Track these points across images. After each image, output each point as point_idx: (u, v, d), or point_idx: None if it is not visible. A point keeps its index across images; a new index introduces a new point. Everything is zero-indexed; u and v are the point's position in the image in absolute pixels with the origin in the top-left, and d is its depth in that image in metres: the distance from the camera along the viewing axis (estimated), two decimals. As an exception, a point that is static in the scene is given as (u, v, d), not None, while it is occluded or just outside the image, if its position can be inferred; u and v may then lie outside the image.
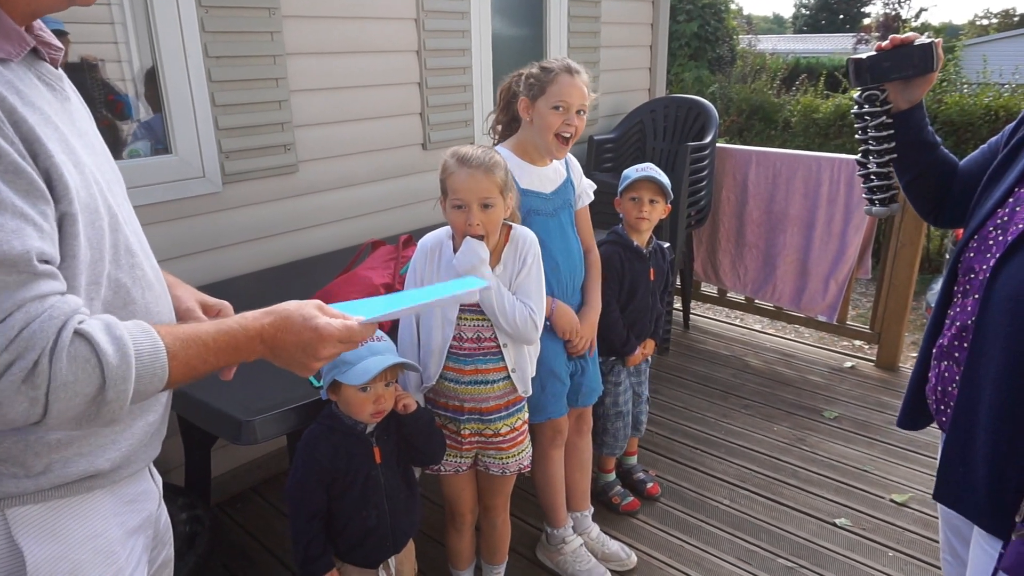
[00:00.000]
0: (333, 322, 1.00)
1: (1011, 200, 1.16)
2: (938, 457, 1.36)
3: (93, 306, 0.90)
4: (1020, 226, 1.09)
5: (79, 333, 0.79)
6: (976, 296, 1.16)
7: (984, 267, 1.15)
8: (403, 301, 1.22)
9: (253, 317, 0.97)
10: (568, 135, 1.96)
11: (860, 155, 1.46)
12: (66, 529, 0.92)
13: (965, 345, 1.18)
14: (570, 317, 2.08)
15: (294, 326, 0.97)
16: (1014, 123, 1.27)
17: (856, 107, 1.42)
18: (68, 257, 0.85)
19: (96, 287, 0.90)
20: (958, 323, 1.21)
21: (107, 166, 0.99)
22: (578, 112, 1.95)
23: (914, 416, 1.39)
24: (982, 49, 17.95)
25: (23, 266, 0.77)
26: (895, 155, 1.40)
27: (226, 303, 1.24)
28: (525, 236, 1.82)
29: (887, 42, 1.34)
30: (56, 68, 0.96)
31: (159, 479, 1.15)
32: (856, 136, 1.45)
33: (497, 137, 2.12)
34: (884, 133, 1.39)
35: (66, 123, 0.90)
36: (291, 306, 1.00)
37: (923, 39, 1.31)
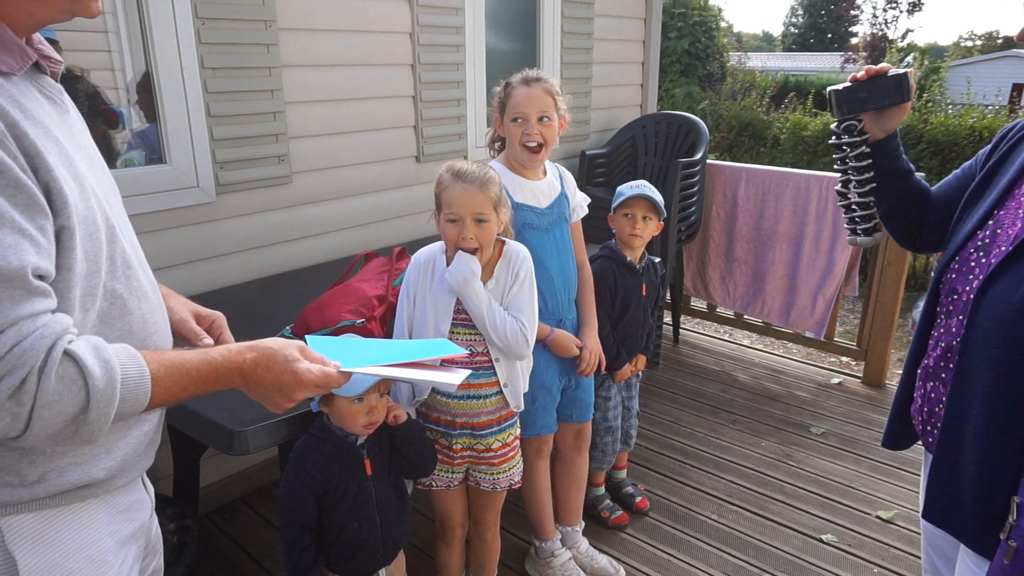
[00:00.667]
0: (312, 367, 1.02)
1: (991, 222, 1.18)
2: (923, 476, 1.37)
3: (88, 317, 0.91)
4: (1003, 248, 1.11)
5: (68, 354, 0.81)
6: (960, 317, 1.17)
7: (967, 288, 1.17)
8: (384, 356, 1.22)
9: (237, 351, 0.99)
10: (532, 144, 1.96)
11: (840, 185, 1.47)
12: (60, 538, 0.93)
13: (951, 366, 1.19)
14: (568, 342, 2.09)
15: (275, 365, 1.00)
16: (988, 147, 1.30)
17: (834, 138, 1.43)
18: (64, 270, 0.86)
19: (91, 298, 0.91)
20: (943, 344, 1.22)
21: (104, 178, 1.00)
22: (541, 119, 1.95)
23: (898, 436, 1.40)
24: (966, 71, 18.26)
25: (18, 282, 0.78)
26: (874, 184, 1.42)
27: (219, 314, 1.25)
28: (518, 251, 1.83)
29: (862, 73, 1.36)
30: (56, 81, 0.97)
31: (151, 489, 1.15)
32: (835, 167, 1.47)
33: (494, 153, 2.14)
34: (864, 163, 1.41)
35: (66, 136, 0.91)
36: (275, 344, 1.02)
37: (896, 70, 1.34)
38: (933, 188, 1.45)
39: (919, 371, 1.31)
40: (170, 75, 2.34)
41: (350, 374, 1.07)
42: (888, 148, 1.39)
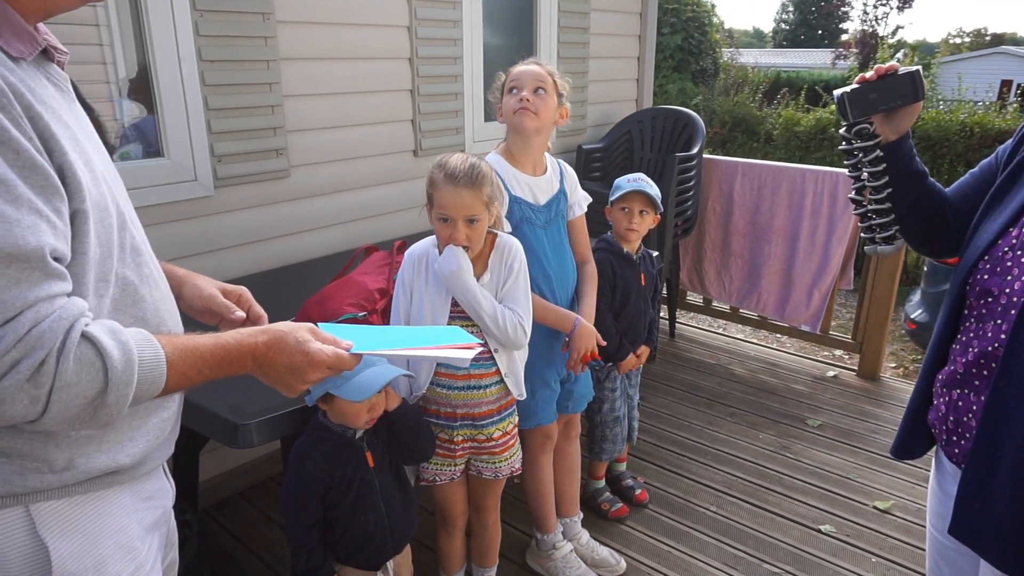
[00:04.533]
0: (325, 348, 1.02)
1: None
2: (931, 481, 1.31)
3: (102, 303, 0.90)
4: None
5: (86, 336, 0.81)
6: (998, 321, 1.08)
7: (1007, 290, 1.08)
8: (395, 341, 1.22)
9: (249, 334, 0.99)
10: (526, 111, 1.92)
11: (854, 192, 1.39)
12: (89, 524, 0.93)
13: (985, 372, 1.11)
14: (589, 338, 2.06)
15: (287, 348, 0.99)
16: (1011, 143, 1.23)
17: (845, 143, 1.35)
18: (79, 254, 0.85)
19: (105, 284, 0.91)
20: (975, 349, 1.13)
21: (110, 167, 1.00)
22: (536, 91, 1.94)
23: (911, 445, 1.32)
24: (956, 67, 18.39)
25: (36, 263, 0.78)
26: (891, 188, 1.34)
27: (244, 288, 1.25)
28: (510, 244, 1.82)
29: (871, 73, 1.28)
30: (63, 70, 0.96)
31: (171, 479, 1.16)
32: (848, 174, 1.38)
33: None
34: (879, 167, 1.33)
35: (73, 122, 0.91)
36: (285, 327, 1.02)
37: (906, 67, 1.27)
38: (948, 190, 1.37)
39: (940, 377, 1.22)
40: (168, 68, 2.33)
41: (361, 356, 1.07)
42: (902, 150, 1.32)
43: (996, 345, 1.08)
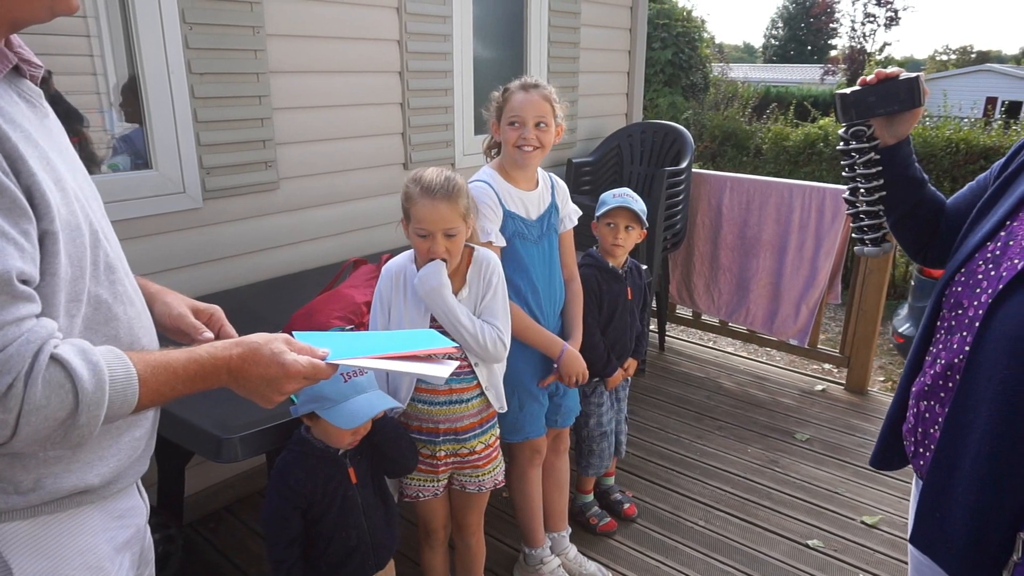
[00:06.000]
0: (300, 358, 1.01)
1: (1003, 234, 1.10)
2: (912, 498, 1.30)
3: (74, 323, 0.89)
4: (1017, 261, 1.03)
5: (55, 358, 0.80)
6: (964, 333, 1.09)
7: (975, 303, 1.08)
8: (372, 347, 1.20)
9: (223, 347, 0.98)
10: (528, 148, 1.96)
11: (848, 193, 1.41)
12: (56, 545, 0.91)
13: (950, 384, 1.10)
14: (578, 363, 2.09)
15: (262, 359, 0.98)
16: (1004, 158, 1.24)
17: (842, 143, 1.37)
18: (48, 275, 0.85)
19: (76, 304, 0.90)
20: (942, 360, 1.13)
21: (85, 183, 0.99)
22: (538, 125, 1.95)
23: (889, 456, 1.32)
24: (942, 84, 18.63)
25: (3, 287, 0.77)
26: (884, 192, 1.36)
27: (216, 307, 1.24)
28: (488, 258, 1.82)
29: (872, 76, 1.29)
30: (36, 85, 0.95)
31: (146, 495, 1.14)
32: (843, 174, 1.40)
33: (491, 159, 2.14)
34: (872, 170, 1.34)
35: (46, 140, 0.90)
36: (260, 339, 1.00)
37: (907, 74, 1.27)
38: (948, 200, 1.38)
39: (914, 389, 1.22)
40: (157, 80, 2.33)
41: (337, 365, 1.06)
42: (899, 155, 1.33)
43: (961, 357, 1.08)
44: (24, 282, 0.80)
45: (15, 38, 0.91)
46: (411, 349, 1.19)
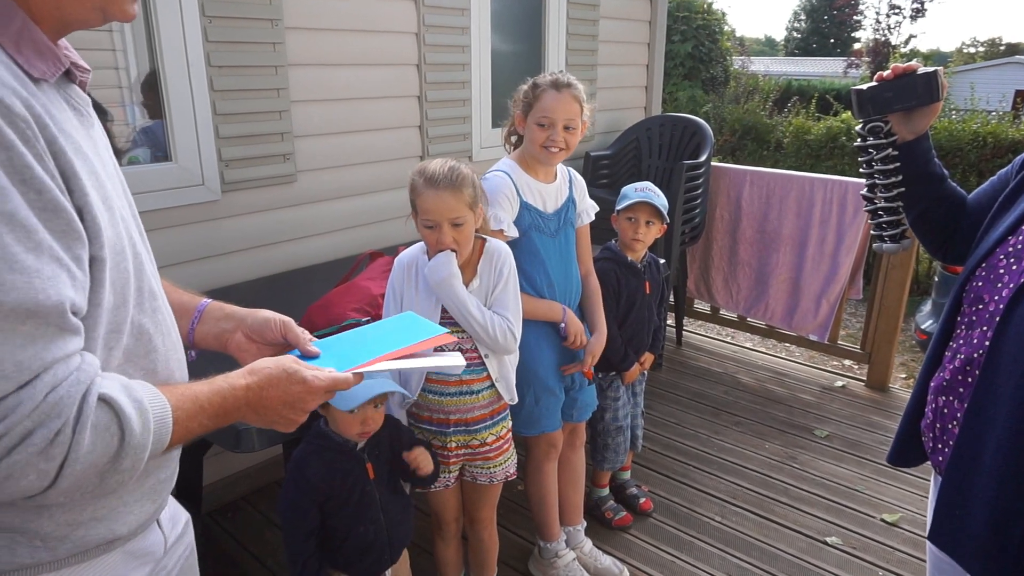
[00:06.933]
0: (319, 373, 0.98)
1: None
2: (931, 495, 1.29)
3: (113, 355, 0.83)
4: None
5: (103, 399, 0.74)
6: (985, 328, 1.08)
7: (995, 297, 1.07)
8: (368, 344, 1.17)
9: (238, 375, 0.94)
10: (555, 150, 1.96)
11: (866, 190, 1.39)
12: None
13: (969, 380, 1.10)
14: (577, 325, 2.12)
15: (279, 382, 0.94)
16: None
17: (859, 139, 1.35)
18: (92, 305, 0.78)
19: (117, 335, 0.83)
20: (962, 356, 1.12)
21: (125, 198, 0.92)
22: (566, 128, 1.95)
23: (906, 453, 1.31)
24: (970, 76, 18.28)
25: (55, 319, 0.70)
26: (903, 188, 1.34)
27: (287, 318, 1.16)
28: (499, 249, 1.82)
29: (889, 72, 1.28)
30: (84, 91, 0.89)
31: (166, 525, 1.05)
32: (861, 170, 1.39)
33: (510, 148, 2.14)
34: (891, 166, 1.33)
35: (93, 153, 0.83)
36: (269, 363, 0.97)
37: (925, 68, 1.25)
38: (969, 196, 1.36)
39: (932, 384, 1.21)
40: (177, 73, 2.35)
41: (362, 374, 1.04)
42: (918, 151, 1.31)
43: (980, 352, 1.07)
44: (74, 314, 0.73)
45: (63, 40, 0.85)
46: (411, 341, 1.17)
